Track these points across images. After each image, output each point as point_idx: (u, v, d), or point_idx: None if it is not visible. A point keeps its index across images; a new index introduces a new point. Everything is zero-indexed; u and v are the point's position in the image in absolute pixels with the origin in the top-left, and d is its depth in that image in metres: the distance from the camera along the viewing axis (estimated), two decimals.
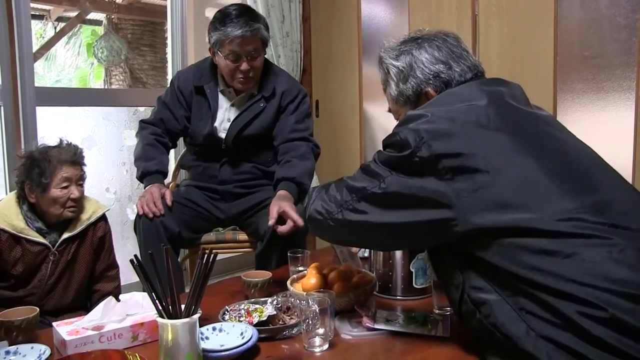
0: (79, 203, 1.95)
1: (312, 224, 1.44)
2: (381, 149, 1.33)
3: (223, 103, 2.39)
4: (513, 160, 1.16)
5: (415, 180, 1.21)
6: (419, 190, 1.21)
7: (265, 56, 2.37)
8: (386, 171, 1.26)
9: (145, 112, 3.04)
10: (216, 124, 2.36)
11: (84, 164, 1.98)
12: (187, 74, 2.45)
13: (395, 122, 1.36)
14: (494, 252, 1.14)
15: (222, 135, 2.37)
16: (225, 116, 2.38)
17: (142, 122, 2.45)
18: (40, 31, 4.80)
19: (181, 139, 2.55)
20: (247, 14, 2.25)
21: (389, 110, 1.53)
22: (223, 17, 2.23)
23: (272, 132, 2.40)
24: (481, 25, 2.89)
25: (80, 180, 1.95)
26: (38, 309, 1.47)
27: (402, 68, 1.39)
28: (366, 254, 2.00)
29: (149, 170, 2.30)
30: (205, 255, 1.24)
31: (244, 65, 2.24)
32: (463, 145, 1.17)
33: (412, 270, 1.71)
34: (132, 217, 3.08)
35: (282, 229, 1.97)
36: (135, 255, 1.22)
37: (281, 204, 2.02)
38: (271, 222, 1.98)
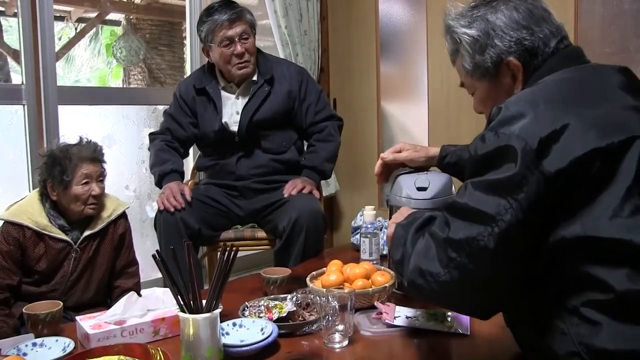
0: (99, 200, 1.97)
1: (413, 290, 1.13)
2: (472, 168, 1.06)
3: (227, 99, 2.43)
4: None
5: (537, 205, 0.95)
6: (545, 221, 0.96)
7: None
8: (496, 205, 0.97)
9: (164, 110, 3.07)
10: (225, 118, 2.40)
11: (104, 161, 2.00)
12: (187, 82, 2.54)
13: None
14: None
15: (234, 128, 2.40)
16: (233, 110, 2.42)
17: (151, 134, 2.53)
18: (61, 32, 4.86)
19: (194, 146, 2.61)
20: (228, 3, 2.37)
21: (462, 85, 1.30)
22: (207, 11, 2.37)
23: (283, 115, 2.45)
24: None
25: (100, 177, 1.97)
26: (62, 303, 1.50)
27: (478, 37, 1.17)
28: (384, 252, 2.00)
29: (165, 172, 2.34)
30: (227, 251, 1.25)
31: (238, 48, 2.32)
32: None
33: None
34: (152, 214, 3.12)
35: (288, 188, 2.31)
36: (157, 251, 1.24)
37: (296, 180, 2.35)
38: (285, 193, 2.29)
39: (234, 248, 1.27)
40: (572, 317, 0.96)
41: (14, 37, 4.32)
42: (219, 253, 2.42)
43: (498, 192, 0.97)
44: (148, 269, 2.58)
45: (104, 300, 2.07)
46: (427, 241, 1.08)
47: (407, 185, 1.65)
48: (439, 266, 1.04)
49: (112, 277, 2.08)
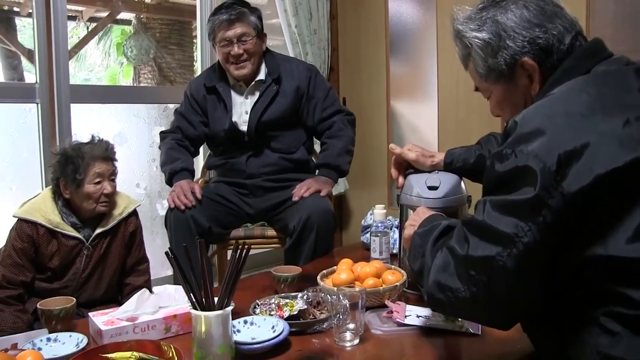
0: (111, 198, 1.99)
1: (433, 303, 1.13)
2: (488, 187, 1.04)
3: (237, 98, 2.44)
4: None
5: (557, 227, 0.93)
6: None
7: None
8: (514, 226, 0.95)
9: (174, 108, 3.08)
10: (235, 117, 2.41)
11: (116, 160, 2.02)
12: (197, 80, 2.54)
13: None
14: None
15: (244, 128, 2.41)
16: (242, 109, 2.43)
17: (162, 132, 2.55)
18: (72, 32, 4.90)
19: (204, 145, 2.62)
20: (235, 2, 2.37)
21: (476, 89, 1.26)
22: (215, 10, 2.38)
23: (291, 115, 2.46)
24: None
25: (112, 175, 1.99)
26: (75, 299, 1.52)
27: (489, 40, 1.13)
28: (395, 251, 2.00)
29: (175, 170, 2.35)
30: (239, 249, 1.26)
31: (235, 49, 2.32)
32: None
33: None
34: (162, 212, 3.14)
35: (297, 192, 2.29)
36: (170, 248, 1.25)
37: (309, 181, 2.32)
38: (295, 197, 2.27)
39: (246, 246, 1.28)
40: (591, 327, 0.95)
41: (27, 37, 4.36)
42: (229, 251, 2.45)
43: (516, 214, 0.95)
44: (158, 267, 2.60)
45: (114, 297, 2.08)
46: (446, 256, 1.07)
47: (418, 184, 1.66)
48: (459, 282, 1.03)
49: (123, 275, 2.09)
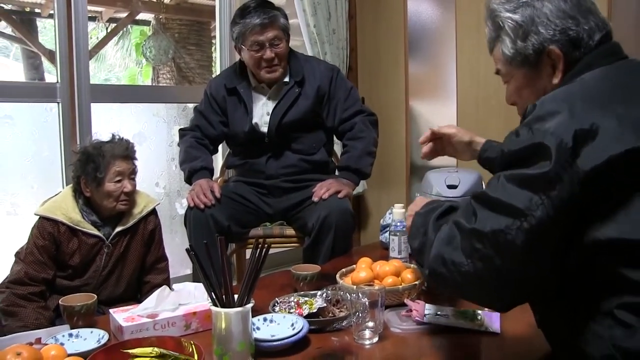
0: (131, 197, 2.00)
1: (433, 278, 1.13)
2: (503, 163, 1.04)
3: (258, 99, 2.44)
4: None
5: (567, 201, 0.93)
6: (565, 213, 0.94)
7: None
8: (528, 200, 0.95)
9: (194, 107, 3.10)
10: (256, 119, 2.41)
11: (135, 158, 2.03)
12: (218, 80, 2.53)
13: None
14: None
15: (264, 129, 2.41)
16: (263, 110, 2.42)
17: (181, 130, 2.55)
18: (92, 32, 4.94)
19: (223, 143, 2.63)
20: (264, 4, 2.34)
21: (497, 72, 1.26)
22: (242, 11, 2.34)
23: (313, 116, 2.45)
24: None
25: (132, 174, 2.00)
26: (96, 296, 1.53)
27: (522, 22, 1.13)
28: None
29: (195, 168, 2.36)
30: (259, 246, 1.26)
31: (268, 54, 2.31)
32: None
33: None
34: (181, 211, 3.16)
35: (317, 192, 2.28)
36: (191, 245, 1.25)
37: (330, 181, 2.31)
38: (315, 198, 2.26)
39: (267, 244, 1.28)
40: (606, 319, 0.94)
41: (47, 38, 4.42)
42: (247, 250, 2.46)
43: (530, 187, 0.95)
44: (177, 265, 2.62)
45: (134, 295, 2.10)
46: (452, 230, 1.07)
47: (437, 182, 1.65)
48: (462, 256, 1.03)
49: (143, 273, 2.11)
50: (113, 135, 2.03)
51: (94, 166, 1.92)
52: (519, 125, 1.03)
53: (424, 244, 1.15)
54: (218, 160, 2.92)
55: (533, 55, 1.14)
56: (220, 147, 2.69)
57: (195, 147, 2.42)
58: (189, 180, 2.39)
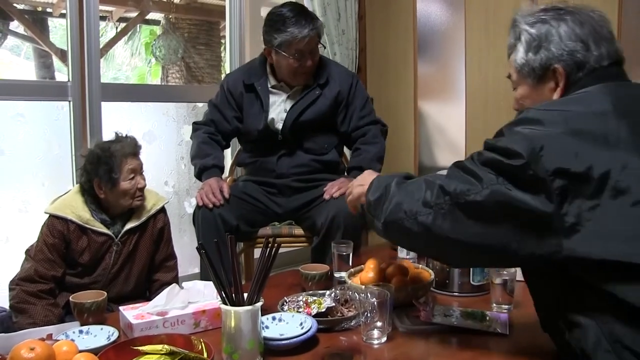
0: (143, 192, 2.02)
1: (390, 226, 1.25)
2: (483, 149, 1.17)
3: (277, 97, 2.44)
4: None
5: (523, 195, 1.05)
6: (525, 209, 1.05)
7: (320, 53, 2.42)
8: (490, 175, 1.10)
9: (203, 107, 3.11)
10: (273, 115, 2.41)
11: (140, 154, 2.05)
12: (235, 75, 2.53)
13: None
14: (598, 277, 1.02)
15: (279, 126, 2.41)
16: (281, 107, 2.43)
17: (194, 123, 2.54)
18: (102, 31, 4.98)
19: (235, 138, 2.62)
20: (304, 13, 2.34)
21: (508, 77, 1.34)
22: (283, 19, 2.30)
23: (328, 118, 2.46)
24: None
25: (142, 170, 2.02)
26: (106, 293, 1.54)
27: (537, 36, 1.23)
28: None
29: (206, 166, 2.36)
30: (269, 245, 1.27)
31: (309, 63, 2.33)
32: (585, 164, 1.02)
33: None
34: (190, 210, 3.17)
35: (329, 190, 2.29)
36: (201, 243, 1.26)
37: (341, 180, 2.32)
38: (326, 196, 2.28)
39: (276, 243, 1.28)
40: (604, 316, 1.01)
41: (58, 37, 4.45)
42: (256, 250, 2.46)
43: (493, 169, 1.09)
44: (185, 264, 2.63)
45: (143, 293, 2.11)
46: (419, 184, 1.22)
47: None
48: (423, 207, 1.17)
49: (151, 271, 2.11)
50: (116, 133, 2.04)
51: (107, 168, 1.92)
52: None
53: (383, 196, 1.28)
54: (227, 158, 2.93)
55: (539, 68, 1.24)
56: (231, 143, 2.68)
57: (207, 142, 2.43)
58: (199, 176, 2.40)
